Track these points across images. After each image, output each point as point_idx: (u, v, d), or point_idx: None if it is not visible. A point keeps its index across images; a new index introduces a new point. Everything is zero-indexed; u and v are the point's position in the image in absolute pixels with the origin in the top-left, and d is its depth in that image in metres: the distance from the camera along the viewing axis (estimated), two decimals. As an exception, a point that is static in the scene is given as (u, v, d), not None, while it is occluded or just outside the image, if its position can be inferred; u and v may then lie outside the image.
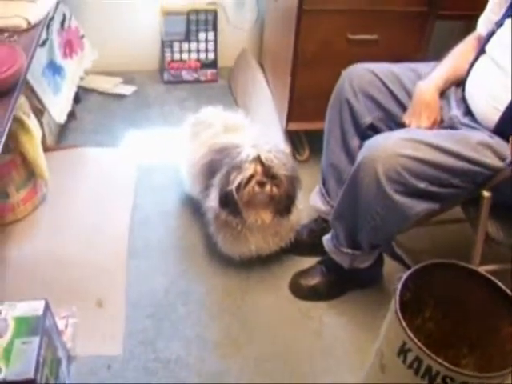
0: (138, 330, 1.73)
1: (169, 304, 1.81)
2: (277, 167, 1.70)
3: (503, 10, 1.59)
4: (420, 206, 1.47)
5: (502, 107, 1.48)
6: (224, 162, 1.77)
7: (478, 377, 1.15)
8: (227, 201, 1.72)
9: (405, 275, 1.26)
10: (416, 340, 1.15)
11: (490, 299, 1.34)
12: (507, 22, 1.55)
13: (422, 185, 1.44)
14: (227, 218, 1.77)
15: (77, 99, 2.62)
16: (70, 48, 2.43)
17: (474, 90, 1.61)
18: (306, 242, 1.95)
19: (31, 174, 1.98)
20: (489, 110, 1.53)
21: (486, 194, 1.50)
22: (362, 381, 1.45)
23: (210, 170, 1.83)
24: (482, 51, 1.62)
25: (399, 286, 1.24)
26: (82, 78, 2.60)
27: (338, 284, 1.84)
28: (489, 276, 1.33)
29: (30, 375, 1.30)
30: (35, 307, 1.44)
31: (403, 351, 1.19)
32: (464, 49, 1.72)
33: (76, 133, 2.53)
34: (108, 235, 1.98)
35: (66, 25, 2.41)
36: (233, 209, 1.73)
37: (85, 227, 2.00)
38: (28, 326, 1.39)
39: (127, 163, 2.34)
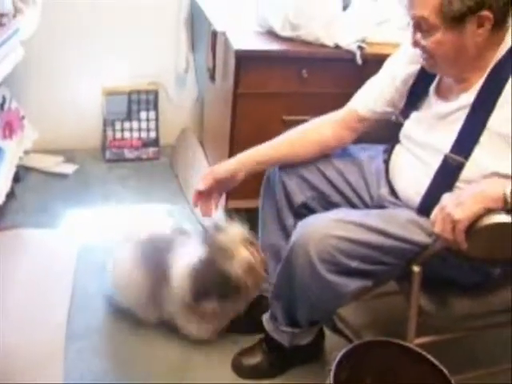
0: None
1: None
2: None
3: (402, 102, 1.70)
4: (353, 284, 1.52)
5: (422, 190, 1.56)
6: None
7: None
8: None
9: (339, 356, 1.29)
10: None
11: (423, 373, 1.37)
12: (413, 115, 1.66)
13: (354, 263, 1.49)
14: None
15: (16, 178, 2.60)
16: (9, 129, 2.43)
17: (395, 174, 1.70)
18: (246, 320, 1.95)
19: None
20: (410, 192, 1.61)
21: (415, 269, 1.55)
22: None
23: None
24: (395, 141, 1.73)
25: (333, 367, 1.26)
26: (21, 158, 2.60)
27: (279, 362, 1.84)
28: (420, 351, 1.37)
29: None
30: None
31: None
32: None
33: (15, 213, 2.50)
34: (45, 320, 1.94)
35: (6, 106, 2.43)
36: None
37: (21, 312, 1.95)
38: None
39: (67, 244, 2.32)
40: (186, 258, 1.80)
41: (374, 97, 1.74)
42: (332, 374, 1.26)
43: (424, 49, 1.48)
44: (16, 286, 2.06)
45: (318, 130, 1.79)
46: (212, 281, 1.74)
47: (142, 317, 1.91)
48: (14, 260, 2.18)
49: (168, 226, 1.99)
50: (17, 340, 1.85)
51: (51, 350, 1.84)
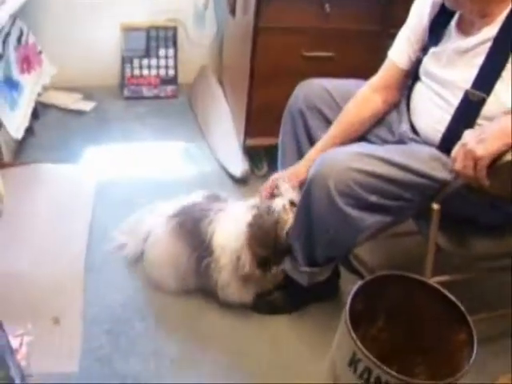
0: (94, 346, 1.71)
1: (126, 320, 1.80)
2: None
3: (423, 39, 1.66)
4: (372, 219, 1.51)
5: (443, 128, 1.54)
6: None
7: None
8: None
9: (356, 286, 1.29)
10: (365, 350, 1.17)
11: (440, 309, 1.37)
12: (432, 50, 1.62)
13: (373, 198, 1.47)
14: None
15: (35, 115, 2.60)
16: (27, 64, 2.41)
17: (416, 111, 1.67)
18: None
19: (-14, 190, 1.95)
20: (430, 130, 1.59)
21: (435, 206, 1.53)
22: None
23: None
24: (416, 77, 1.69)
25: (350, 298, 1.27)
26: (40, 94, 2.59)
27: (296, 298, 1.86)
28: (438, 287, 1.37)
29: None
30: (-14, 327, 1.42)
31: (354, 362, 1.21)
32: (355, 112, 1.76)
33: (34, 149, 2.51)
34: (65, 252, 1.96)
35: (24, 40, 2.41)
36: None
37: (42, 244, 1.98)
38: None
39: (85, 179, 2.33)
40: (227, 225, 1.77)
41: (409, 47, 1.69)
42: (348, 305, 1.26)
43: None
44: (36, 217, 2.09)
45: (369, 105, 1.75)
46: (261, 244, 1.73)
47: (180, 288, 1.88)
48: (33, 194, 2.20)
49: (202, 194, 1.91)
50: (38, 270, 1.88)
51: (71, 280, 1.87)
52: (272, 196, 1.78)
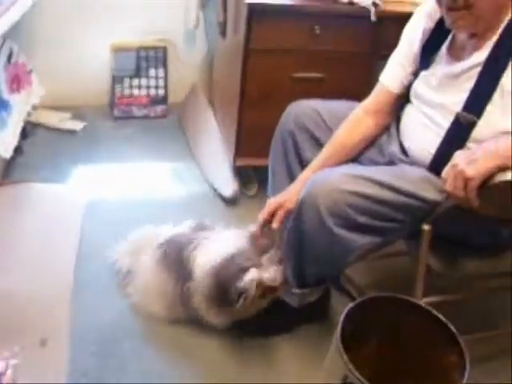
0: (82, 368, 1.68)
1: (114, 340, 1.78)
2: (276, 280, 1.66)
3: (415, 64, 1.67)
4: (362, 240, 1.51)
5: (433, 150, 1.55)
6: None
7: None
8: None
9: (347, 308, 1.28)
10: (357, 373, 1.16)
11: (431, 330, 1.37)
12: (422, 73, 1.64)
13: (363, 219, 1.47)
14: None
15: (24, 134, 2.59)
16: (17, 83, 2.41)
17: (406, 133, 1.68)
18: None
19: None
20: (420, 152, 1.60)
21: (426, 227, 1.53)
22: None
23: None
24: (406, 100, 1.71)
25: (341, 321, 1.26)
26: (29, 114, 2.59)
27: (286, 320, 1.84)
28: (428, 308, 1.37)
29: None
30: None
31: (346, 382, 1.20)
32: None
33: (23, 168, 2.49)
34: (53, 272, 1.95)
35: (14, 60, 2.41)
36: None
37: (29, 264, 1.95)
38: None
39: (75, 199, 2.32)
40: (210, 247, 1.76)
41: (402, 71, 1.71)
42: (339, 329, 1.25)
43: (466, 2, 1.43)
44: (24, 238, 2.07)
45: (361, 128, 1.75)
46: (225, 283, 1.67)
47: (170, 318, 1.85)
48: (21, 213, 2.18)
49: (189, 224, 1.92)
50: (25, 290, 1.86)
51: (59, 301, 1.85)
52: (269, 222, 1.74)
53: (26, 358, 1.66)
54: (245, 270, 1.61)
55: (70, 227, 2.16)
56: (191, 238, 1.81)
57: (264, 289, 1.63)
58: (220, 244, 1.74)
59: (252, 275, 1.60)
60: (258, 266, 1.63)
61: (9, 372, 1.61)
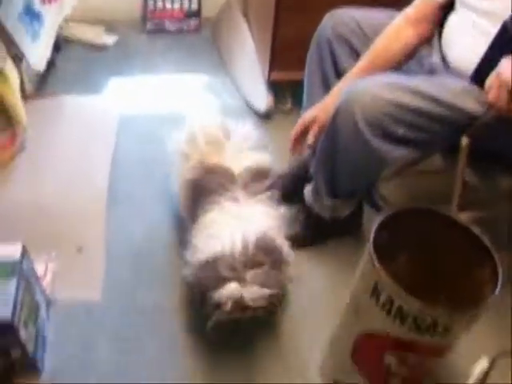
0: (117, 276, 1.74)
1: (148, 252, 1.81)
2: (261, 300, 1.42)
3: None
4: (398, 152, 1.47)
5: (477, 58, 1.47)
6: (210, 184, 1.60)
7: (448, 314, 1.16)
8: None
9: (381, 217, 1.27)
10: (388, 278, 1.16)
11: (465, 244, 1.34)
12: None
13: (401, 130, 1.44)
14: None
15: (57, 48, 2.56)
16: (48, -7, 2.37)
17: (449, 42, 1.60)
18: (287, 190, 1.94)
19: (9, 120, 1.95)
20: (464, 61, 1.52)
21: (464, 140, 1.49)
22: (337, 326, 1.47)
23: (197, 188, 1.65)
24: (451, 8, 1.62)
25: (374, 228, 1.25)
26: (61, 27, 2.55)
27: (317, 233, 1.85)
28: (463, 221, 1.34)
29: (8, 317, 1.31)
30: (12, 251, 1.44)
31: (376, 292, 1.20)
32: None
33: (56, 82, 2.47)
34: (88, 183, 1.97)
35: (45, -31, 2.35)
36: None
37: (65, 175, 1.99)
38: (5, 270, 1.39)
39: (108, 112, 2.31)
40: (204, 241, 1.53)
41: None
42: (372, 234, 1.24)
43: None
44: (59, 149, 2.09)
45: (401, 38, 1.66)
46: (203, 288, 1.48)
47: None
48: (56, 124, 2.19)
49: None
50: (62, 200, 1.90)
51: (94, 211, 1.89)
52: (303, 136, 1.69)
53: (63, 264, 1.71)
54: (225, 280, 1.41)
55: (104, 139, 2.17)
56: (221, 183, 1.60)
57: (242, 308, 1.42)
58: (225, 232, 1.50)
59: (230, 291, 1.40)
60: (240, 280, 1.41)
61: (48, 275, 1.67)
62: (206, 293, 1.44)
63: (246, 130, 1.77)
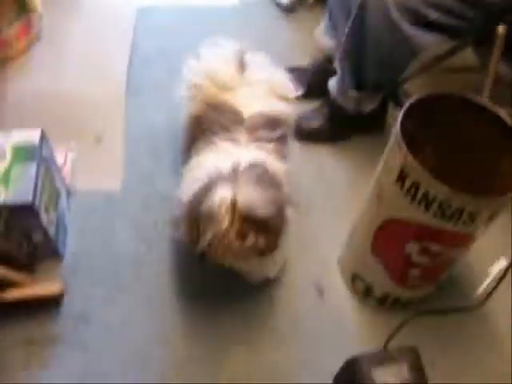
0: (136, 165, 1.72)
1: (167, 140, 1.79)
2: (260, 209, 1.19)
3: None
4: (429, 38, 1.41)
5: None
6: (211, 122, 1.40)
7: (475, 201, 1.13)
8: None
9: (409, 102, 1.22)
10: (414, 162, 1.12)
11: (493, 133, 1.30)
12: None
13: (434, 15, 1.36)
14: None
15: None
16: None
17: None
18: (311, 84, 1.88)
19: (23, 7, 1.88)
20: None
21: (501, 29, 1.41)
22: (359, 216, 1.45)
23: (198, 124, 1.47)
24: None
25: (401, 116, 1.20)
26: None
27: (340, 128, 1.80)
28: (491, 107, 1.27)
29: (28, 199, 1.31)
30: (31, 136, 1.42)
31: (401, 177, 1.17)
32: None
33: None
34: (107, 73, 1.93)
35: None
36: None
37: (83, 65, 1.95)
38: (25, 154, 1.39)
39: (126, 3, 2.23)
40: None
41: None
42: (399, 120, 1.19)
43: None
44: (76, 39, 2.05)
45: None
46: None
47: None
48: (72, 15, 2.13)
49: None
50: (80, 90, 1.87)
51: (113, 101, 1.86)
52: None
53: (82, 153, 1.70)
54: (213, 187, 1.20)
55: (122, 31, 2.10)
56: (223, 122, 1.38)
57: (239, 221, 1.19)
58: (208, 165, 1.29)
59: (222, 193, 1.18)
60: (233, 182, 1.20)
61: (68, 165, 1.66)
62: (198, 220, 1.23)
63: (278, 77, 1.54)
